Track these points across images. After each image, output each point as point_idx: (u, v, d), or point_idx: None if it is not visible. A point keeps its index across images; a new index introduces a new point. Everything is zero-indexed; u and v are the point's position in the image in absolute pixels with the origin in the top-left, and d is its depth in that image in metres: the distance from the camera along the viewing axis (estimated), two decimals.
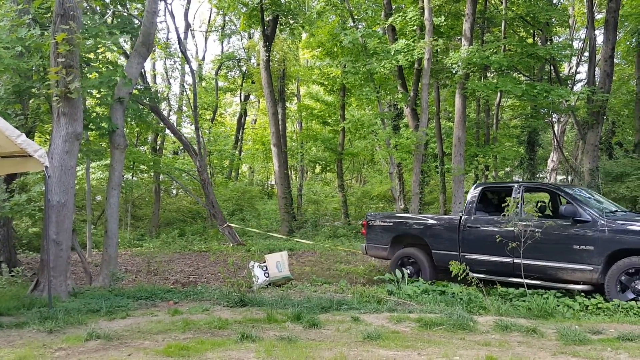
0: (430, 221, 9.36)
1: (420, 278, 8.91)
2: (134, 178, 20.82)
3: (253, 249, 13.68)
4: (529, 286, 7.60)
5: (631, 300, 6.88)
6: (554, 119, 21.64)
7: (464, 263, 7.59)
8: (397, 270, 8.84)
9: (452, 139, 14.81)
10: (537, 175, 24.29)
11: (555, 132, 22.14)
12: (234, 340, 5.42)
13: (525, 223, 7.68)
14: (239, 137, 29.41)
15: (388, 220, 9.86)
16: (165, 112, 22.80)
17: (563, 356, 4.88)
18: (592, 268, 7.23)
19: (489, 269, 8.19)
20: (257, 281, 9.11)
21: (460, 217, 8.85)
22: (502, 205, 7.98)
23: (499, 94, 18.18)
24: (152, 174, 20.65)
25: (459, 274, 7.39)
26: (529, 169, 22.07)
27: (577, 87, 20.96)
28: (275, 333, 5.78)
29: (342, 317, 6.61)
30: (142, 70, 13.63)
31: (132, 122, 16.07)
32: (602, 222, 7.27)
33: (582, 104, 14.59)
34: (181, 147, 22.48)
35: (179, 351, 5.02)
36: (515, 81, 14.07)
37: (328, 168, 26.61)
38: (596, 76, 14.95)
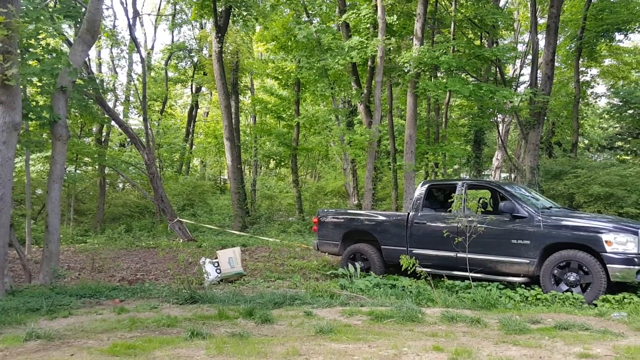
0: (380, 218, 9.55)
1: (371, 272, 9.08)
2: (78, 171, 19.99)
3: (204, 245, 13.46)
4: (472, 279, 7.92)
5: (565, 291, 7.27)
6: (498, 119, 22.49)
7: (412, 258, 7.80)
8: (349, 265, 8.96)
9: (404, 136, 15.11)
10: (483, 173, 25.22)
11: (500, 131, 23.02)
12: (184, 338, 5.33)
13: (468, 219, 7.99)
14: (190, 130, 28.78)
15: (339, 216, 10.02)
16: (111, 103, 22.03)
17: (504, 345, 5.10)
18: (528, 261, 7.64)
19: (435, 263, 8.46)
20: (208, 277, 8.97)
21: (408, 214, 9.09)
22: (448, 201, 8.33)
23: (448, 94, 18.70)
24: (97, 166, 19.92)
25: (409, 268, 7.59)
26: (475, 166, 22.88)
27: (521, 89, 21.85)
28: (227, 330, 5.72)
29: (295, 312, 6.63)
30: (87, 58, 13.08)
31: (76, 113, 15.45)
32: (537, 217, 7.68)
33: (524, 105, 15.23)
34: (128, 140, 21.76)
35: (125, 350, 4.88)
36: (463, 82, 14.51)
37: (282, 163, 26.53)
38: (538, 79, 15.64)
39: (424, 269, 7.66)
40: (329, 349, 4.93)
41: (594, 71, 24.45)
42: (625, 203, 13.01)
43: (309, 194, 24.26)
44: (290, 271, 10.32)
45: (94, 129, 21.25)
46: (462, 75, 16.91)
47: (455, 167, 27.03)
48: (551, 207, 8.62)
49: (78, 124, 19.88)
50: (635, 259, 7.01)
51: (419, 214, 8.96)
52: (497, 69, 17.41)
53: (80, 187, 20.69)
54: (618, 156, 21.57)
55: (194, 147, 29.64)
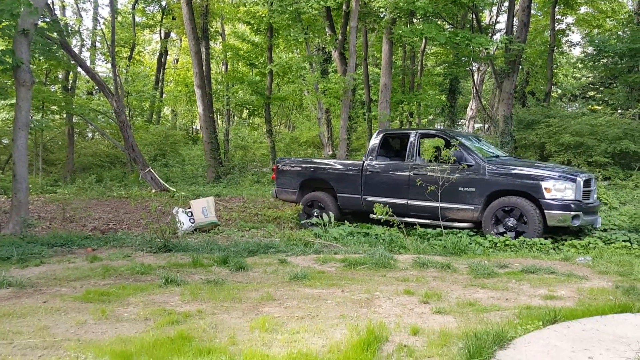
0: (336, 166, 9.75)
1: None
2: (44, 119, 19.29)
3: (177, 195, 13.33)
4: (420, 225, 8.24)
5: (500, 233, 7.69)
6: (474, 68, 22.42)
7: (365, 205, 7.95)
8: (310, 213, 9.05)
9: (379, 85, 14.95)
10: (457, 123, 25.37)
11: (475, 80, 23.02)
12: (158, 284, 5.33)
13: (421, 167, 8.36)
14: (160, 78, 27.85)
15: (297, 165, 10.19)
16: (77, 49, 21.08)
17: (473, 288, 5.27)
18: (473, 207, 8.00)
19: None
20: (181, 227, 8.94)
21: (363, 162, 9.25)
22: (402, 150, 8.69)
23: (424, 41, 18.45)
24: (64, 115, 19.24)
25: (383, 216, 7.88)
26: (450, 116, 22.98)
27: (497, 37, 21.70)
28: (201, 277, 5.75)
29: (269, 260, 6.69)
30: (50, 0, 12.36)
31: (40, 58, 14.76)
32: (484, 166, 7.96)
33: (500, 53, 15.15)
34: (96, 87, 20.98)
35: (99, 297, 4.87)
36: (439, 28, 14.28)
37: (256, 112, 26.05)
38: (514, 26, 15.51)
39: (380, 217, 7.93)
40: (302, 294, 5.02)
41: (570, 19, 24.40)
42: (594, 152, 13.32)
43: (283, 144, 24.06)
44: (265, 221, 10.35)
45: (60, 76, 20.40)
46: (439, 22, 16.62)
47: (430, 117, 27.10)
48: (499, 155, 8.90)
49: (43, 71, 19.05)
50: (572, 205, 7.39)
51: (374, 162, 9.15)
52: (474, 15, 17.18)
53: (48, 136, 20.05)
54: (590, 106, 21.91)
55: (164, 95, 28.83)
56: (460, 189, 8.04)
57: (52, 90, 20.17)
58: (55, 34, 12.32)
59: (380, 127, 14.55)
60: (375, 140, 9.37)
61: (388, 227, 8.44)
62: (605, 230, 7.85)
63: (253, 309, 4.53)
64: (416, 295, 4.93)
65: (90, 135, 24.40)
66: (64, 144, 20.36)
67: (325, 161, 10.33)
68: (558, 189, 7.41)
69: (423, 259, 6.45)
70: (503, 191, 7.80)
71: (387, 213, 7.83)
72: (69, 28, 20.59)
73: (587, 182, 7.70)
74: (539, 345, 3.57)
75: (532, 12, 18.75)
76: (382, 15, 14.63)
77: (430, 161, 8.43)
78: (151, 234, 7.88)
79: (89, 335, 3.92)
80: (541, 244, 7.37)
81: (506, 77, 14.75)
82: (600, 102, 22.16)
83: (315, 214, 9.50)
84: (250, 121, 32.37)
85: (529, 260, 6.65)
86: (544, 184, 7.45)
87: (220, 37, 25.03)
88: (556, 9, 19.83)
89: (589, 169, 12.67)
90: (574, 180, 7.47)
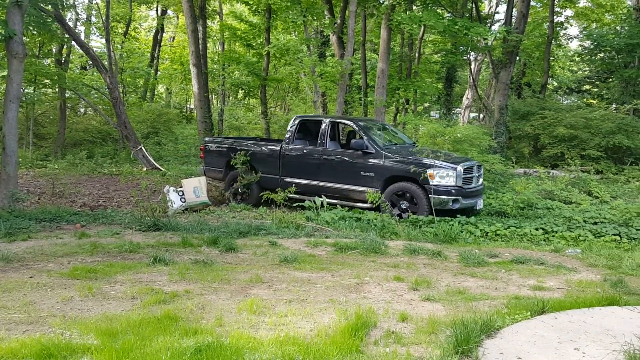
0: (257, 148, 10.11)
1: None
2: (36, 92, 18.99)
3: (169, 174, 13.23)
4: (329, 204, 8.77)
5: (397, 215, 8.31)
6: (471, 57, 22.30)
7: (283, 185, 8.84)
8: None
9: (376, 71, 14.82)
10: (453, 112, 25.30)
11: (472, 69, 22.92)
12: (146, 263, 5.30)
13: (330, 152, 9.21)
14: (155, 55, 27.46)
15: (222, 145, 10.58)
16: (71, 23, 20.66)
17: (462, 276, 5.28)
18: (374, 190, 8.46)
19: (302, 190, 9.30)
20: (172, 206, 8.87)
21: (281, 145, 9.74)
22: (316, 135, 9.44)
23: (422, 28, 18.27)
24: (57, 89, 18.92)
25: (374, 202, 8.06)
26: (446, 104, 22.89)
27: (495, 27, 21.57)
28: (190, 257, 5.72)
29: (260, 242, 6.66)
30: None
31: (34, 31, 14.49)
32: (381, 153, 8.74)
33: (498, 43, 15.06)
34: (90, 62, 20.62)
35: (86, 274, 4.83)
36: (438, 16, 14.15)
37: (251, 93, 25.75)
38: (513, 17, 15.40)
39: (292, 195, 8.73)
40: (292, 277, 5.00)
41: (569, 12, 24.29)
42: (588, 145, 13.35)
43: (278, 126, 23.85)
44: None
45: (54, 49, 20.03)
46: (438, 10, 16.45)
47: (426, 104, 27.01)
48: (397, 144, 9.65)
49: (36, 43, 18.71)
50: (453, 190, 8.21)
51: (290, 146, 9.68)
52: (473, 5, 17.02)
53: (39, 109, 19.75)
54: (585, 99, 21.93)
55: (159, 73, 28.44)
56: (362, 173, 8.80)
57: (45, 63, 19.81)
58: (49, 6, 12.10)
59: (375, 112, 14.47)
60: (292, 124, 9.87)
61: (380, 213, 8.45)
62: (595, 223, 7.88)
63: (241, 291, 4.51)
64: (406, 282, 4.92)
65: (82, 110, 24.05)
66: (55, 118, 20.08)
67: (248, 142, 10.59)
68: (441, 176, 8.22)
69: (414, 246, 6.45)
70: (397, 177, 8.56)
71: (379, 199, 8.11)
72: (64, 1, 20.17)
73: (468, 170, 8.50)
74: (526, 335, 3.58)
75: (532, 3, 18.63)
76: (381, 1, 14.45)
77: (343, 147, 9.31)
78: (141, 212, 7.81)
79: (75, 312, 3.88)
80: (532, 234, 7.40)
81: (503, 67, 14.68)
82: (596, 96, 22.19)
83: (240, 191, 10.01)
84: (246, 102, 32.10)
85: (519, 250, 6.67)
86: (429, 171, 8.20)
87: (217, 16, 24.67)
88: (555, 1, 19.71)
89: (582, 162, 12.70)
90: (455, 169, 8.25)
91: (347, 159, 9.03)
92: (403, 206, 8.45)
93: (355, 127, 9.51)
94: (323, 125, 9.53)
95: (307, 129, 10.22)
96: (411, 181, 8.42)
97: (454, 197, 8.18)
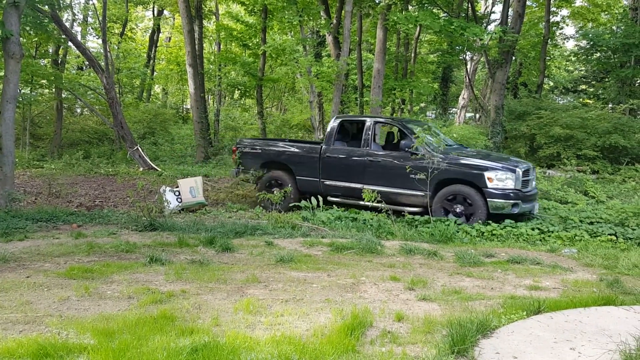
0: (294, 149, 9.75)
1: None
2: (33, 93, 18.94)
3: (165, 174, 13.21)
4: (373, 208, 8.40)
5: (453, 220, 7.90)
6: (467, 57, 22.33)
7: (323, 188, 8.43)
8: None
9: (372, 71, 14.84)
10: (449, 112, 25.36)
11: (468, 69, 22.95)
12: (142, 263, 5.29)
13: (376, 154, 8.75)
14: (152, 56, 27.41)
15: (257, 147, 10.17)
16: (68, 24, 20.61)
17: (458, 276, 5.30)
18: (423, 194, 8.28)
19: (343, 194, 9.01)
20: (168, 206, 8.86)
21: (321, 147, 9.34)
22: (359, 136, 8.99)
23: (418, 28, 18.31)
24: (53, 89, 18.88)
25: (371, 201, 7.98)
26: (442, 104, 22.94)
27: (491, 27, 21.59)
28: (187, 257, 5.71)
29: (256, 242, 6.66)
30: None
31: (30, 31, 14.48)
32: (434, 154, 8.30)
33: (494, 43, 15.09)
34: (86, 62, 20.57)
35: (82, 274, 4.82)
36: (434, 16, 14.17)
37: (247, 94, 25.75)
38: (509, 17, 15.44)
39: (333, 199, 8.35)
40: (288, 277, 5.00)
41: (565, 12, 24.35)
42: (584, 145, 13.38)
43: (274, 126, 23.86)
44: (253, 202, 10.29)
45: (50, 50, 19.97)
46: (434, 10, 16.47)
47: (422, 104, 27.04)
48: (449, 145, 9.24)
49: (33, 44, 18.65)
50: (512, 194, 7.79)
51: (331, 147, 9.26)
52: (469, 4, 17.05)
53: (36, 110, 19.70)
54: (581, 99, 22.00)
55: (155, 73, 28.41)
56: (412, 175, 8.35)
57: (42, 64, 19.73)
58: (46, 6, 12.07)
59: (372, 112, 14.48)
60: (332, 125, 9.47)
61: (376, 213, 8.45)
62: (591, 223, 7.90)
63: (238, 291, 4.51)
64: (402, 282, 4.94)
65: (79, 110, 24.00)
66: (52, 118, 20.03)
67: (285, 143, 10.26)
68: (499, 179, 7.85)
69: (410, 246, 6.46)
70: (450, 179, 8.19)
71: (375, 199, 7.92)
72: (61, 1, 20.12)
73: (525, 172, 8.12)
74: (522, 335, 3.60)
75: (528, 3, 18.66)
76: (377, 1, 14.46)
77: (384, 148, 8.85)
78: (137, 212, 7.80)
79: (72, 311, 3.88)
80: (528, 234, 7.42)
81: (499, 67, 14.72)
82: (592, 96, 22.24)
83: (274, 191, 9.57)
84: (242, 102, 32.07)
85: (515, 250, 6.69)
86: (486, 174, 7.86)
87: (214, 16, 24.68)
88: (551, 1, 19.76)
89: (578, 162, 12.74)
90: (514, 171, 7.87)
91: (395, 161, 8.55)
92: (458, 210, 8.07)
93: (402, 128, 9.08)
94: (367, 126, 9.06)
95: (346, 130, 9.84)
96: (466, 184, 8.03)
97: (513, 201, 7.75)
